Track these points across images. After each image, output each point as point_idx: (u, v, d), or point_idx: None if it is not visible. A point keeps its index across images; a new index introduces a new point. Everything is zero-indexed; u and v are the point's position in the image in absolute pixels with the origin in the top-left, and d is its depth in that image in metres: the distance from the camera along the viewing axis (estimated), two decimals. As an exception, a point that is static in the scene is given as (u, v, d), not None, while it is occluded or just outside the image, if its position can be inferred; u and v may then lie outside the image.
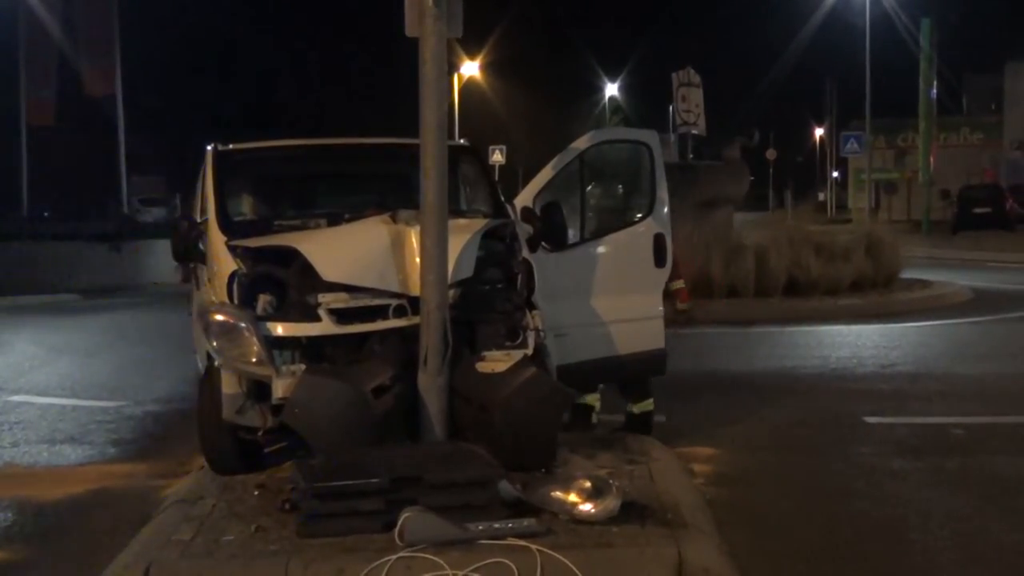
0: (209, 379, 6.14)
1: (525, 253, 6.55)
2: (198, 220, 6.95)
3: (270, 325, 5.87)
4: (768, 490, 6.41)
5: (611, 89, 57.58)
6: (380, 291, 6.05)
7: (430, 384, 5.86)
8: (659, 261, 7.36)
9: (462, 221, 6.59)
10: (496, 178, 7.70)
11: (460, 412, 5.92)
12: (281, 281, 6.10)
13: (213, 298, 6.21)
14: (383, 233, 6.23)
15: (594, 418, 7.57)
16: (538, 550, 4.59)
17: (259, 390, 5.91)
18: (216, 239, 6.44)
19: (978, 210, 40.07)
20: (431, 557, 4.54)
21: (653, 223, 7.41)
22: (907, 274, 18.57)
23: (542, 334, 6.30)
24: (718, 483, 6.61)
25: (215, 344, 5.83)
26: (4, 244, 23.07)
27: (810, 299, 15.98)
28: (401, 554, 4.57)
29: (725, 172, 17.79)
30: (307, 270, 5.97)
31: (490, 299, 6.31)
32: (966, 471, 6.76)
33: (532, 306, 6.34)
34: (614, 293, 7.29)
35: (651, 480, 5.88)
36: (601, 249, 7.44)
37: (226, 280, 6.08)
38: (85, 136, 38.45)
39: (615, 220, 7.95)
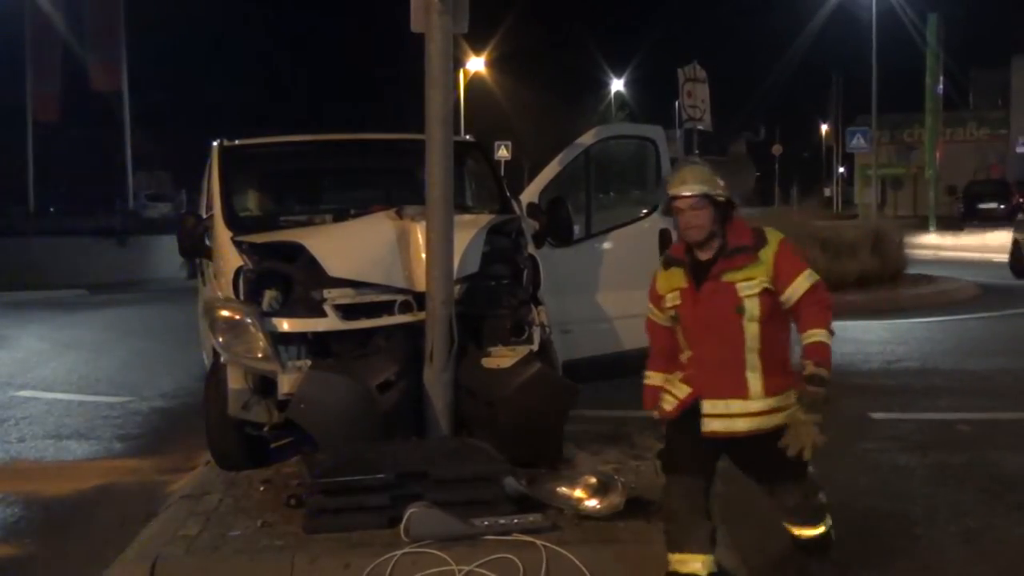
0: (215, 375, 6.14)
1: (531, 249, 6.55)
2: (204, 216, 6.96)
3: (275, 321, 5.88)
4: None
5: (617, 85, 57.52)
6: (386, 287, 6.05)
7: (436, 380, 5.86)
8: (664, 257, 7.35)
9: (468, 217, 6.59)
10: (502, 174, 7.69)
11: (466, 408, 5.92)
12: (287, 277, 6.10)
13: (219, 294, 6.22)
14: (389, 229, 6.23)
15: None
16: (544, 546, 4.60)
17: (265, 386, 5.92)
18: (222, 235, 6.44)
19: (984, 205, 39.95)
20: (437, 553, 4.55)
21: (658, 218, 7.40)
22: (913, 270, 18.54)
23: (548, 330, 6.30)
24: (722, 479, 6.58)
25: (221, 340, 5.83)
26: (10, 240, 23.11)
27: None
28: (407, 550, 4.57)
29: (730, 167, 17.75)
30: (313, 266, 5.98)
31: (496, 295, 6.31)
32: (972, 467, 6.75)
33: (538, 302, 6.34)
34: (619, 288, 7.28)
35: (657, 476, 5.87)
36: (607, 245, 7.44)
37: (232, 276, 6.08)
38: (91, 132, 38.51)
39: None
